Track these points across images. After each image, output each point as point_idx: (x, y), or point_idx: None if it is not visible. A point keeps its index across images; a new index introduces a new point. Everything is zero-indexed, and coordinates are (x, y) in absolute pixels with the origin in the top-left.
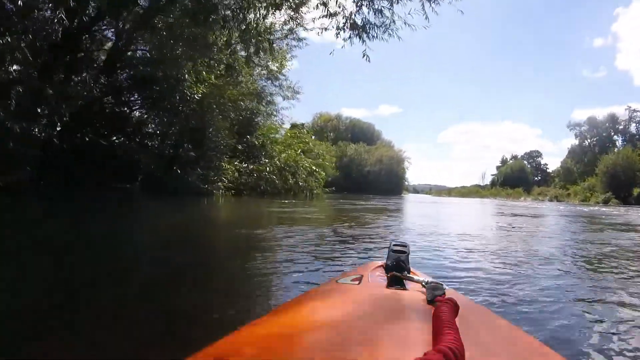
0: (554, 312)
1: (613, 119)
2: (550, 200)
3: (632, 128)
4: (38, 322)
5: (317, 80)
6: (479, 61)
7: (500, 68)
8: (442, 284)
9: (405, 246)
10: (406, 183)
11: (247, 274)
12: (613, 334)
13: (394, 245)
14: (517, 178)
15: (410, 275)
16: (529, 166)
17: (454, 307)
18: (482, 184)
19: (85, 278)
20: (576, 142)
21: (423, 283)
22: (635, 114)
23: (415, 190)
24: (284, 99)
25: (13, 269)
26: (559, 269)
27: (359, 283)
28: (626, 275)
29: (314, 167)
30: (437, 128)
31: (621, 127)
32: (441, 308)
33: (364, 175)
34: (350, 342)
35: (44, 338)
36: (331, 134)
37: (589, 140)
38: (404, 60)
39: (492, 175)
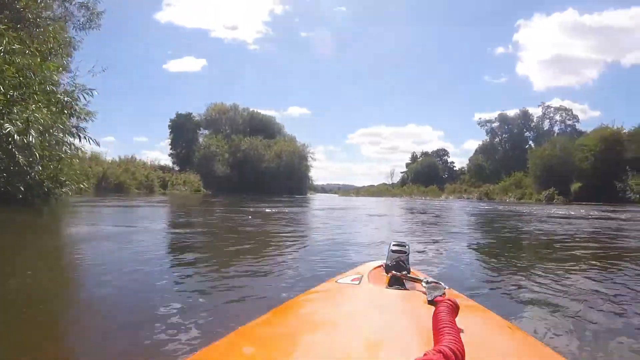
0: None
1: (525, 115)
2: (480, 199)
3: (546, 124)
4: None
5: (226, 80)
6: (382, 67)
7: (404, 73)
8: (442, 284)
9: (404, 246)
10: (313, 182)
11: None
12: None
13: (394, 245)
14: (428, 175)
15: (410, 275)
16: (440, 163)
17: (454, 307)
18: (390, 183)
19: None
20: (487, 138)
21: (423, 283)
22: (548, 110)
23: (324, 190)
24: None
25: None
26: None
27: (359, 283)
28: None
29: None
30: (345, 130)
31: (533, 123)
32: (441, 308)
33: (261, 173)
34: (350, 342)
35: None
36: (227, 127)
37: (500, 137)
38: (312, 62)
39: (402, 172)
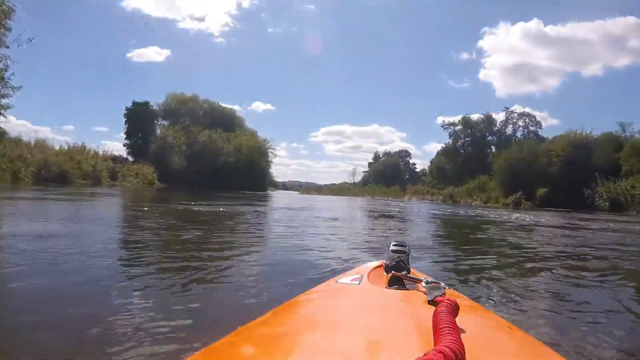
0: None
1: (489, 119)
2: (445, 201)
3: (509, 129)
4: None
5: (190, 72)
6: (348, 67)
7: (369, 73)
8: (442, 284)
9: (404, 246)
10: (274, 179)
11: None
12: None
13: (394, 245)
14: (390, 176)
15: (410, 275)
16: (402, 164)
17: (454, 307)
18: (351, 182)
19: None
20: (449, 141)
21: (423, 283)
22: (512, 115)
23: (285, 187)
24: None
25: None
26: None
27: (359, 283)
28: None
29: None
30: (308, 128)
31: (496, 128)
32: (441, 308)
33: (219, 167)
34: (350, 342)
35: None
36: (186, 119)
37: (462, 140)
38: (278, 58)
39: (364, 171)
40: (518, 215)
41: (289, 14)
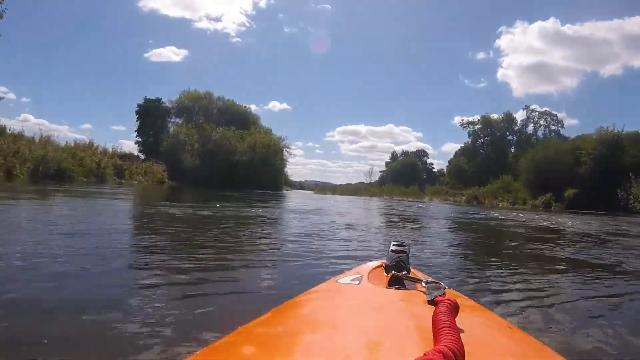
0: None
1: (509, 118)
2: (469, 203)
3: (530, 129)
4: None
5: (207, 72)
6: (364, 66)
7: (385, 73)
8: (442, 284)
9: (404, 246)
10: (290, 178)
11: None
12: None
13: (394, 245)
14: (408, 175)
15: (410, 275)
16: (419, 163)
17: (454, 307)
18: (368, 182)
19: None
20: (468, 140)
21: (423, 283)
22: (533, 114)
23: (301, 186)
24: None
25: None
26: None
27: (358, 283)
28: None
29: None
30: (323, 128)
31: (517, 127)
32: (441, 308)
33: (233, 166)
34: (350, 342)
35: None
36: (200, 117)
37: (482, 140)
38: (294, 58)
39: (381, 171)
40: (561, 220)
41: (305, 13)
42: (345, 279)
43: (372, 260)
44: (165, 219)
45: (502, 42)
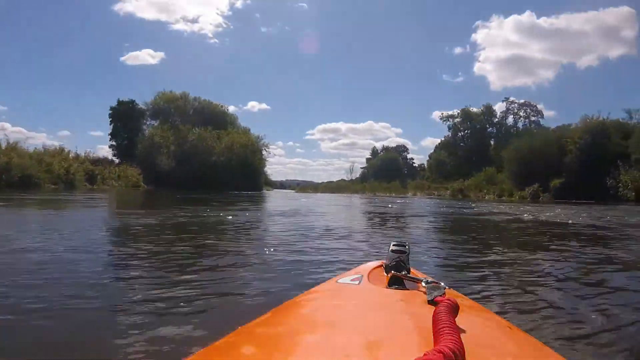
0: None
1: (489, 110)
2: (454, 197)
3: (510, 120)
4: None
5: (185, 74)
6: (342, 64)
7: (363, 70)
8: (442, 284)
9: (404, 246)
10: (270, 178)
11: None
12: None
13: (394, 245)
14: (389, 171)
15: (410, 275)
16: (400, 159)
17: (454, 307)
18: (349, 179)
19: None
20: (449, 134)
21: (423, 283)
22: (512, 105)
23: (282, 186)
24: None
25: None
26: None
27: (359, 283)
28: None
29: None
30: (303, 127)
31: (496, 119)
32: (441, 308)
33: (210, 167)
34: (350, 342)
35: None
36: (177, 118)
37: (462, 133)
38: (272, 58)
39: (362, 168)
40: (555, 212)
41: (282, 13)
42: (345, 279)
43: (372, 261)
44: (111, 230)
45: (479, 36)
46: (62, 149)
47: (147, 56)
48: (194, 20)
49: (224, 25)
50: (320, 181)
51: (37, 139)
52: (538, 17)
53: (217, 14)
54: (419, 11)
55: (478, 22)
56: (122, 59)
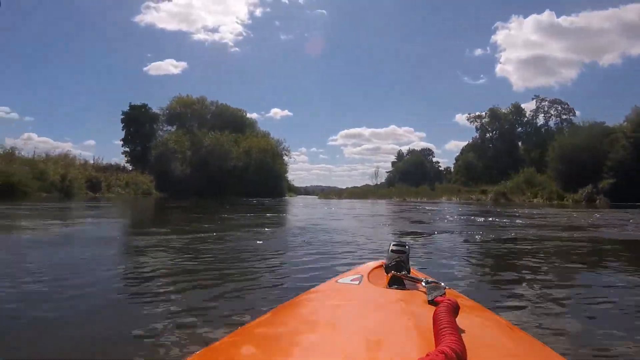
0: None
1: (517, 110)
2: (497, 201)
3: (540, 119)
4: None
5: (207, 83)
6: (363, 69)
7: (384, 75)
8: (442, 284)
9: (404, 246)
10: (292, 183)
11: None
12: None
13: (394, 245)
14: (416, 174)
15: (410, 275)
16: (426, 162)
17: (455, 307)
18: (374, 184)
19: None
20: (476, 135)
21: (423, 283)
22: (542, 103)
23: (307, 191)
24: None
25: None
26: None
27: (359, 283)
28: None
29: None
30: (326, 132)
31: (526, 119)
32: (441, 308)
33: (228, 173)
34: (350, 342)
35: None
36: (194, 123)
37: (491, 134)
38: (293, 65)
39: (388, 172)
40: None
41: (301, 19)
42: (345, 279)
43: (372, 261)
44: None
45: (499, 37)
46: (66, 155)
47: (169, 66)
48: (215, 30)
49: (244, 34)
50: (344, 186)
51: (63, 149)
52: (558, 16)
53: (237, 22)
54: (438, 14)
55: (498, 23)
56: (145, 69)
